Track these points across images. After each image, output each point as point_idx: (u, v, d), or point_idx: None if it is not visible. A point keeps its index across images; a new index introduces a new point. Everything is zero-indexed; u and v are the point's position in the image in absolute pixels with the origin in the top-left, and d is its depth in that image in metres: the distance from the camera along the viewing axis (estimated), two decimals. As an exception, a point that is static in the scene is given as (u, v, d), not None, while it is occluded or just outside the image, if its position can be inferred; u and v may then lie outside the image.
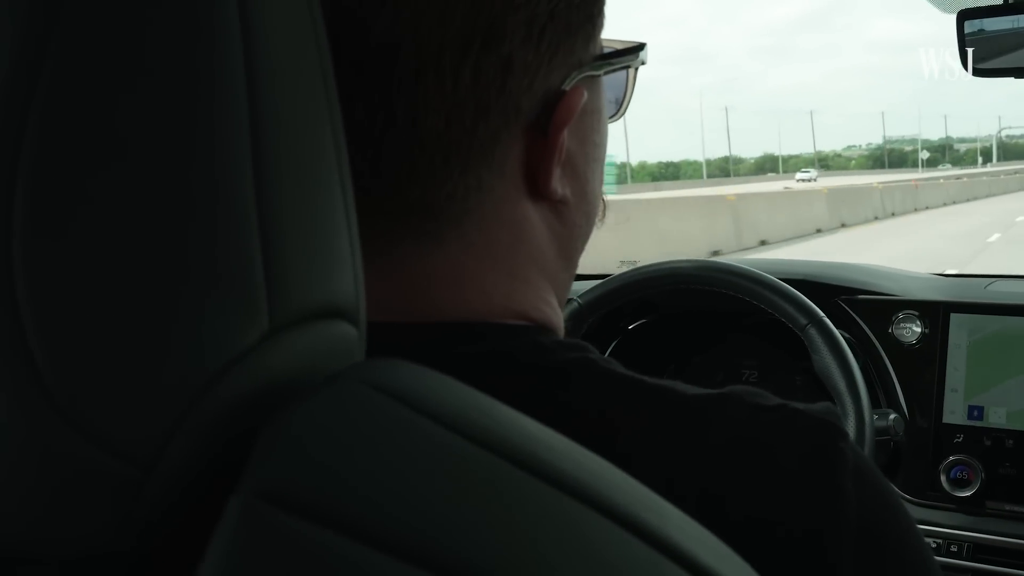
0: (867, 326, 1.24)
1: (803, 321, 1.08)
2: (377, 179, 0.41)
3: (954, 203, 32.24)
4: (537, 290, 0.47)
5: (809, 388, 1.29)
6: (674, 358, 1.39)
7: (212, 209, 0.26)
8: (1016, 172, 62.71)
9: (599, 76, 0.47)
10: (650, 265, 1.16)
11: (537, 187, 0.45)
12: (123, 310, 0.25)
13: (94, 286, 0.25)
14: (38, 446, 0.25)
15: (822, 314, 1.08)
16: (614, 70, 0.47)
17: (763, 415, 0.41)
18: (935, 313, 1.21)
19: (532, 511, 0.27)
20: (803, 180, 68.00)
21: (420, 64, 0.40)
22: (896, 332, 1.23)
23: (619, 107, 0.54)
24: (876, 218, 22.99)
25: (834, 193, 21.40)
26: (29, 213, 0.25)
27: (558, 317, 0.49)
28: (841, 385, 1.04)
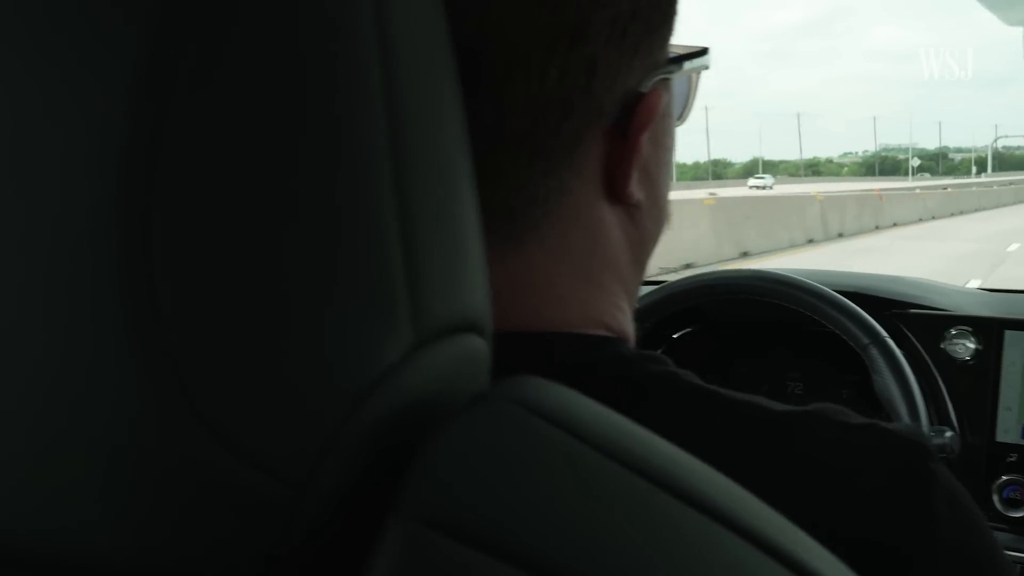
0: (919, 341, 1.23)
1: (865, 340, 1.07)
2: None
3: (933, 219, 26.93)
4: (612, 296, 0.46)
5: (855, 402, 1.28)
6: (718, 368, 1.38)
7: (356, 220, 0.25)
8: (1011, 183, 58.87)
9: (670, 79, 0.46)
10: (710, 273, 1.15)
11: (615, 190, 0.44)
12: (272, 325, 0.24)
13: (242, 300, 0.24)
14: (188, 465, 0.24)
15: (885, 334, 1.07)
16: (686, 73, 0.47)
17: (852, 434, 0.40)
18: (989, 329, 1.20)
19: (691, 541, 0.26)
20: (756, 187, 60.86)
21: (507, 63, 0.39)
22: (949, 348, 1.21)
23: (682, 111, 0.53)
24: (810, 241, 16.33)
25: (756, 204, 15.56)
26: (170, 225, 0.24)
27: (631, 325, 0.48)
28: (902, 408, 1.04)
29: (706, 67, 0.50)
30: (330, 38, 0.25)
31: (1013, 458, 1.16)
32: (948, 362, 1.21)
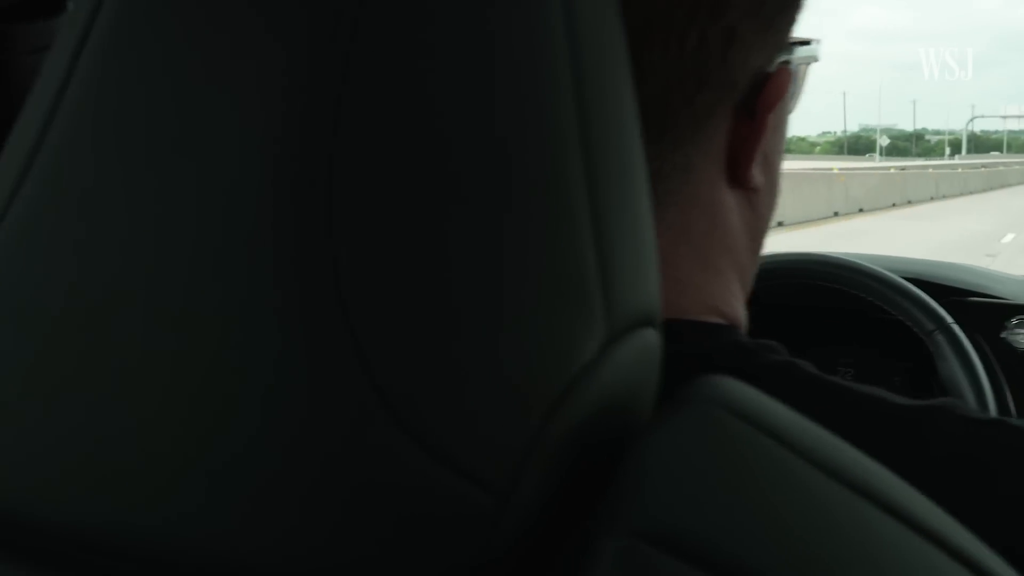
0: (978, 330, 1.21)
1: (930, 326, 1.06)
2: None
3: (860, 212, 19.63)
4: (728, 282, 0.46)
5: (907, 388, 1.27)
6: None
7: (549, 211, 0.24)
8: (983, 166, 50.27)
9: (791, 64, 0.45)
10: (774, 256, 1.13)
11: (737, 173, 0.44)
12: (473, 324, 0.23)
13: (432, 296, 0.23)
14: (383, 468, 0.23)
15: (950, 320, 1.06)
16: (803, 60, 0.46)
17: (982, 430, 0.40)
18: None
19: (905, 557, 0.25)
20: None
21: (647, 28, 0.38)
22: (1010, 337, 1.20)
23: (795, 99, 0.52)
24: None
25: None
26: (346, 218, 0.22)
27: (743, 311, 0.47)
28: (969, 396, 1.02)
29: (816, 59, 0.49)
30: (521, 33, 0.24)
31: None
32: (1008, 351, 1.20)
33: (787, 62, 0.44)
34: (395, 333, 0.22)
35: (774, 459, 0.25)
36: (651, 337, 0.28)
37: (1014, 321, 1.21)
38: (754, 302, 1.38)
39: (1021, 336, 1.20)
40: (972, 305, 1.23)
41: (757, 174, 0.44)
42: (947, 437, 0.39)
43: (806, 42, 0.47)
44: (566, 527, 0.25)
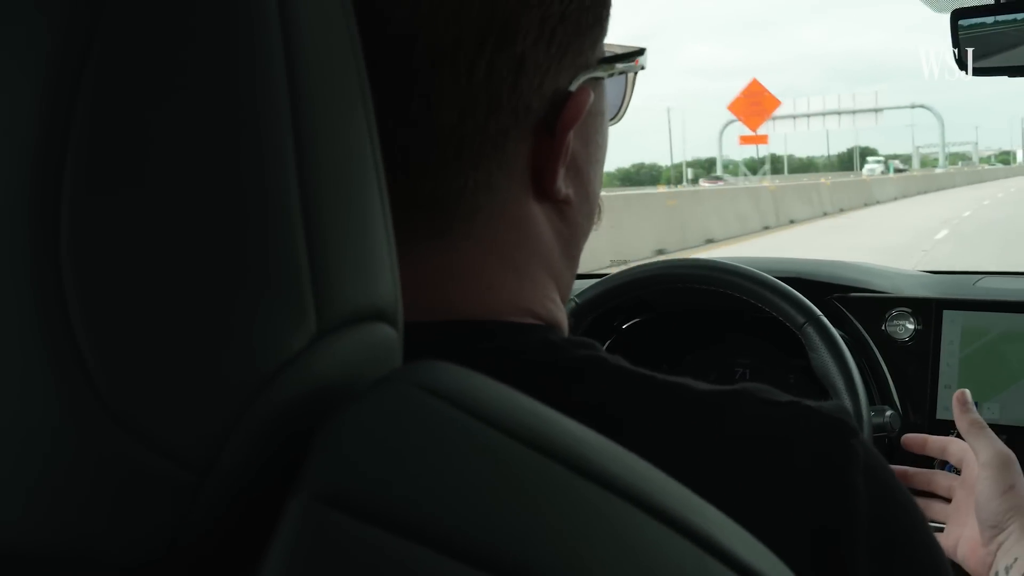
0: (860, 324, 1.25)
1: (800, 320, 1.09)
2: (390, 174, 0.41)
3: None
4: (543, 288, 0.47)
5: (802, 386, 1.30)
6: (667, 357, 1.40)
7: (260, 208, 0.26)
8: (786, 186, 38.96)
9: (603, 79, 0.47)
10: (648, 264, 1.17)
11: (542, 186, 0.45)
12: (175, 312, 0.25)
13: (145, 288, 0.25)
14: (92, 451, 0.25)
15: (819, 313, 1.09)
16: (618, 73, 0.48)
17: (776, 411, 0.41)
18: (928, 310, 1.22)
19: (585, 513, 0.27)
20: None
21: (435, 58, 0.40)
22: (889, 329, 1.24)
23: (618, 110, 0.54)
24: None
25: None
26: (76, 212, 0.24)
27: (563, 315, 0.49)
28: (839, 383, 1.05)
29: (641, 68, 0.51)
30: (234, 30, 0.26)
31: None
32: (889, 343, 1.23)
33: (597, 79, 0.46)
34: (108, 324, 0.24)
35: (457, 426, 0.27)
36: (379, 330, 0.30)
37: (894, 313, 1.24)
38: (649, 310, 1.42)
39: (899, 327, 1.23)
40: (854, 300, 1.27)
41: (564, 187, 0.45)
42: (745, 419, 0.41)
43: (631, 54, 0.48)
44: (283, 500, 0.27)
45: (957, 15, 1.05)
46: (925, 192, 43.07)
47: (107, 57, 0.25)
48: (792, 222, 21.35)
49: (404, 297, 0.41)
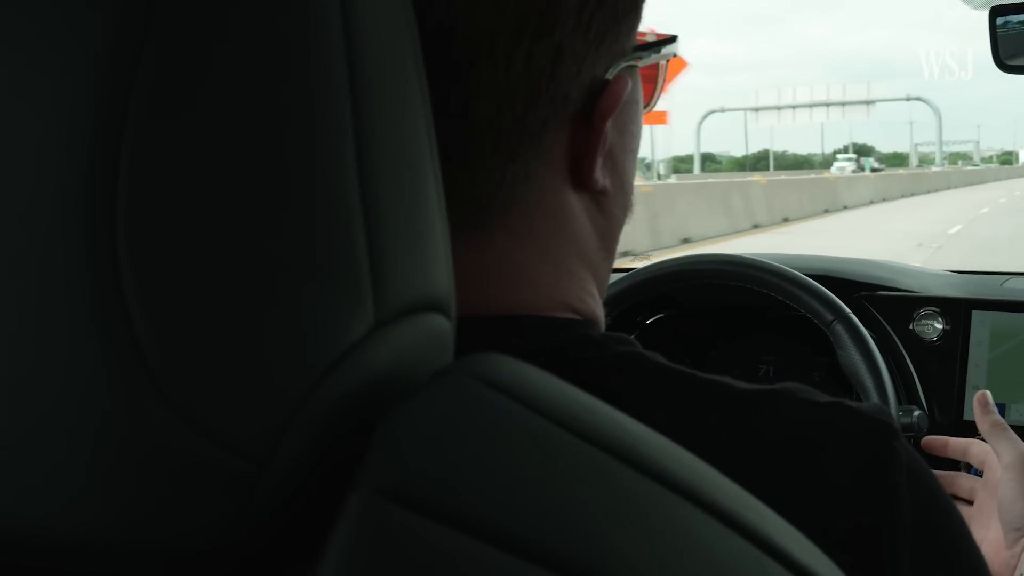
0: (888, 323, 1.24)
1: (829, 317, 1.08)
2: None
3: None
4: (581, 281, 0.47)
5: (827, 384, 1.29)
6: (690, 353, 1.39)
7: (318, 198, 0.26)
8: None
9: (638, 66, 0.46)
10: (673, 259, 1.16)
11: (580, 177, 0.45)
12: (234, 302, 0.25)
13: (203, 274, 0.25)
14: (149, 441, 0.25)
15: (848, 310, 1.08)
16: (654, 60, 0.47)
17: (816, 412, 0.41)
18: (956, 310, 1.21)
19: (644, 510, 0.27)
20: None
21: (473, 50, 0.40)
22: (917, 329, 1.23)
23: (650, 99, 0.53)
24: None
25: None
26: (132, 200, 0.24)
27: (600, 309, 0.49)
28: (868, 382, 1.04)
29: (674, 54, 0.50)
30: (295, 23, 0.26)
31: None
32: (917, 343, 1.22)
33: (632, 66, 0.45)
34: (165, 310, 0.24)
35: (517, 420, 0.27)
36: (435, 322, 0.30)
37: (922, 312, 1.23)
38: (673, 305, 1.41)
39: (927, 327, 1.22)
40: (882, 299, 1.26)
41: (602, 177, 0.45)
42: (784, 420, 0.40)
43: (664, 41, 0.48)
44: (340, 494, 0.26)
45: (996, 12, 1.04)
46: (913, 194, 36.19)
47: (163, 45, 0.24)
48: (686, 241, 13.33)
49: None
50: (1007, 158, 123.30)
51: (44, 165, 0.24)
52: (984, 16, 1.09)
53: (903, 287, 1.28)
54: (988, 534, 0.80)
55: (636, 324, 1.37)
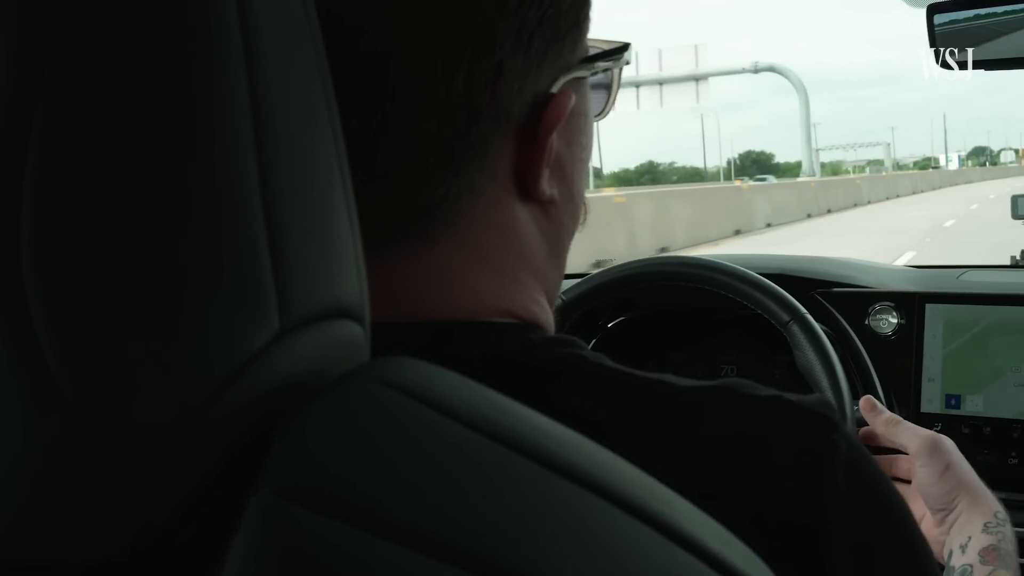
0: (844, 318, 1.25)
1: (785, 318, 1.09)
2: (371, 184, 0.41)
3: None
4: (527, 289, 0.47)
5: (788, 382, 1.30)
6: (653, 355, 1.40)
7: (219, 209, 0.26)
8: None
9: (586, 78, 0.47)
10: (633, 262, 1.17)
11: (526, 188, 0.45)
12: (135, 313, 0.25)
13: (105, 290, 0.25)
14: (55, 452, 0.25)
15: (804, 310, 1.09)
16: (600, 71, 0.48)
17: (757, 406, 0.41)
18: (910, 304, 1.23)
19: (549, 504, 0.27)
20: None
21: (412, 72, 0.40)
22: (872, 324, 1.24)
23: (603, 106, 0.54)
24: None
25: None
26: (35, 216, 0.24)
27: (548, 315, 0.49)
28: (823, 381, 1.05)
29: (626, 63, 0.50)
30: (192, 35, 0.26)
31: (938, 427, 1.19)
32: (873, 337, 1.24)
33: (579, 79, 0.46)
34: (67, 323, 0.25)
35: (417, 419, 0.27)
36: (346, 328, 0.31)
37: (877, 307, 1.25)
38: (634, 308, 1.42)
39: (882, 322, 1.24)
40: (837, 295, 1.27)
41: (548, 188, 0.45)
42: (725, 415, 0.40)
43: (613, 51, 0.48)
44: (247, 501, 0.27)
45: (933, 9, 1.06)
46: (809, 216, 23.79)
47: (65, 56, 0.25)
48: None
49: (380, 299, 0.40)
50: (925, 164, 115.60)
51: None
52: (913, 21, 1.11)
53: (858, 283, 1.29)
54: (925, 516, 0.82)
55: (598, 328, 1.38)
